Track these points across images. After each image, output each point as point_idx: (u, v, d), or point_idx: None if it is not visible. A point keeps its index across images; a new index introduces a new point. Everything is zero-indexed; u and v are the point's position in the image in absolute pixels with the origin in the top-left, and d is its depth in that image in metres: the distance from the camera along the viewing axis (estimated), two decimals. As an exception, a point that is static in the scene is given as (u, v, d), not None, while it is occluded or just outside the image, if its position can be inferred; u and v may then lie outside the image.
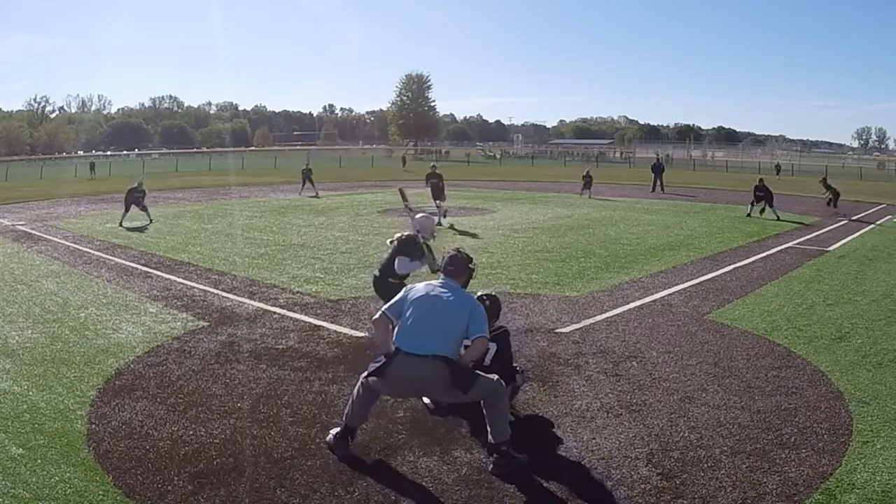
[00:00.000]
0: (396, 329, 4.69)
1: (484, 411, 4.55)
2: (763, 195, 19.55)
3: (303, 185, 27.18)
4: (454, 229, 16.20)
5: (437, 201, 18.13)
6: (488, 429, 4.50)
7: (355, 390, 4.81)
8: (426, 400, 5.41)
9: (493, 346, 5.17)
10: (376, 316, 4.80)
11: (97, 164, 50.11)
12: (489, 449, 4.49)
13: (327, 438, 4.78)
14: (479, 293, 5.40)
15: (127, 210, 17.72)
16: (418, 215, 7.33)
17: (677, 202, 24.54)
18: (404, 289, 4.92)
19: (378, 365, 4.61)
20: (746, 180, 32.03)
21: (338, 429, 4.75)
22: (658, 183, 29.85)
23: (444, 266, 4.95)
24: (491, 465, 4.43)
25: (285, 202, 24.03)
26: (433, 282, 4.89)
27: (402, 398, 5.38)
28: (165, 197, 26.18)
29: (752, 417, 5.25)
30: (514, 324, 7.17)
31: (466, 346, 4.64)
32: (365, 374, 4.73)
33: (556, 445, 4.80)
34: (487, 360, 5.14)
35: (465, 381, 4.49)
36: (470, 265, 5.09)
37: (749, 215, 19.40)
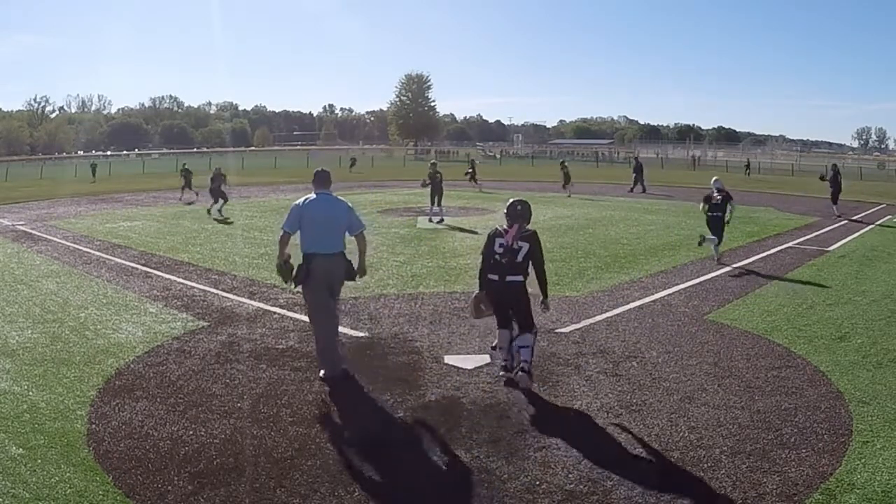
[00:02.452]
0: (304, 239, 6.04)
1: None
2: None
3: (182, 190, 24.42)
4: (447, 226, 16.21)
5: (437, 198, 17.96)
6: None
7: (315, 331, 6.13)
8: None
9: (524, 245, 5.76)
10: (280, 233, 6.15)
11: (98, 165, 49.04)
12: None
13: (321, 374, 6.05)
14: (510, 200, 6.07)
15: (216, 200, 19.17)
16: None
17: (677, 202, 24.52)
18: (293, 206, 6.17)
19: (300, 272, 5.98)
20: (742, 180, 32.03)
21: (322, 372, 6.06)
22: (639, 182, 29.63)
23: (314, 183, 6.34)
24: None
25: (285, 202, 23.99)
26: (311, 196, 6.22)
27: (322, 300, 6.08)
28: (166, 197, 26.18)
29: (752, 417, 5.26)
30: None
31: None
32: (295, 286, 6.16)
33: (556, 445, 4.80)
34: (520, 258, 5.71)
35: (351, 272, 6.14)
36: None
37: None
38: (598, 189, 30.55)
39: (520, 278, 5.79)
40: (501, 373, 6.09)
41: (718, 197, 12.08)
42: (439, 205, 17.92)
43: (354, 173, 41.65)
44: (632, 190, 29.34)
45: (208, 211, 19.28)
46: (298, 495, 4.11)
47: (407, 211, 20.69)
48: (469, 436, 4.93)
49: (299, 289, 6.25)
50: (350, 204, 6.39)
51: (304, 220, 6.06)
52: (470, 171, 27.72)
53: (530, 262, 5.82)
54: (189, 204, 22.75)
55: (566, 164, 28.32)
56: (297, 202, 6.24)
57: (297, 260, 6.14)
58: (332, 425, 5.10)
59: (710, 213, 12.18)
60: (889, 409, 5.40)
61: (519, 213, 5.88)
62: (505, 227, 5.89)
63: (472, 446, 4.77)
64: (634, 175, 30.28)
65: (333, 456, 4.61)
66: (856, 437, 4.89)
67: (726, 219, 12.05)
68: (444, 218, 17.84)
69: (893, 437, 4.90)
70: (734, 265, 11.69)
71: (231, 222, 17.85)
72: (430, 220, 17.58)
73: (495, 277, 5.79)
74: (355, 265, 6.17)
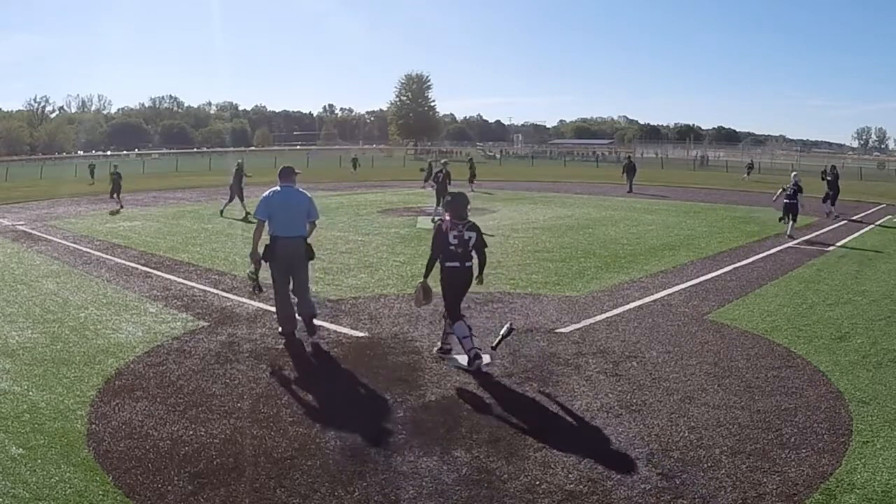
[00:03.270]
0: (271, 224, 7.00)
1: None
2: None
3: (112, 194, 22.32)
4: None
5: (441, 198, 18.08)
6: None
7: (276, 298, 7.21)
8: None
9: (473, 235, 6.47)
10: (256, 224, 7.15)
11: (97, 165, 47.94)
12: None
13: (280, 331, 7.26)
14: (450, 193, 7.01)
15: (231, 199, 19.33)
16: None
17: (676, 202, 24.52)
18: (262, 198, 7.15)
19: (266, 251, 7.01)
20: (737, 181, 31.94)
21: (283, 337, 7.13)
22: (629, 183, 29.47)
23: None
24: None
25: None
26: (277, 189, 7.14)
27: (283, 274, 7.06)
28: (165, 197, 26.18)
29: (752, 417, 5.26)
30: (514, 324, 7.17)
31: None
32: (260, 266, 7.10)
33: (556, 445, 4.80)
34: (470, 246, 6.44)
35: (310, 253, 7.19)
36: None
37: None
38: (598, 189, 30.55)
39: (472, 264, 6.57)
40: (478, 362, 6.27)
41: (791, 189, 15.72)
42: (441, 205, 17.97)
43: (353, 174, 41.29)
44: (630, 190, 29.28)
45: (220, 212, 19.35)
46: (298, 495, 4.11)
47: (407, 211, 20.69)
48: (469, 436, 4.93)
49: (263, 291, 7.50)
50: (311, 196, 7.36)
51: (271, 208, 7.03)
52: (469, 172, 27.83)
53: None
54: (114, 213, 19.89)
55: (473, 160, 28.29)
56: (265, 194, 7.19)
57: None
58: (332, 425, 5.10)
59: (786, 201, 15.72)
60: (889, 409, 5.40)
61: (452, 203, 6.63)
62: (447, 218, 6.54)
63: (472, 446, 4.77)
64: (625, 174, 29.98)
65: (333, 456, 4.61)
66: (856, 437, 4.89)
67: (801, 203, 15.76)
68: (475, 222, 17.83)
69: (893, 437, 4.90)
70: (734, 265, 11.70)
71: (230, 220, 17.85)
72: (433, 220, 17.59)
73: (456, 264, 6.43)
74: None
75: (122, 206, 21.48)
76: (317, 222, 7.44)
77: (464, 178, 27.58)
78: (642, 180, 33.03)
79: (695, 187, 33.43)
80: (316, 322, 7.38)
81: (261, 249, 7.09)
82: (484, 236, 6.72)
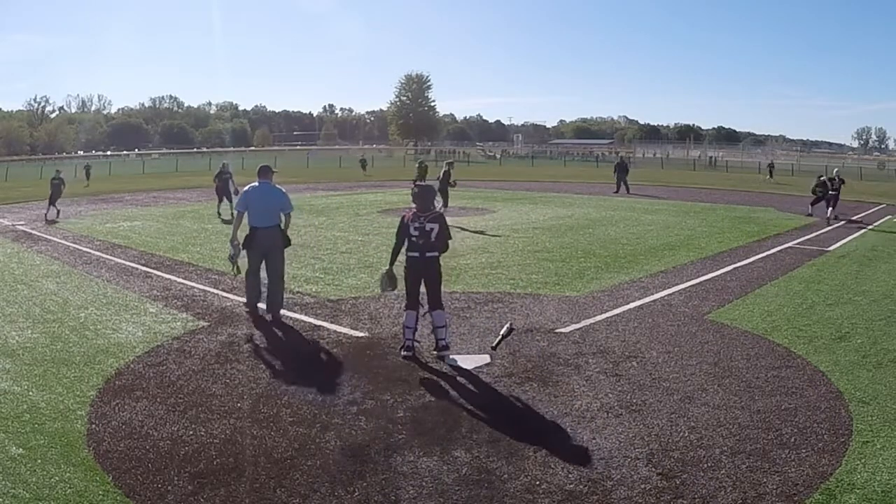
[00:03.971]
0: (249, 216, 7.94)
1: None
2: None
3: (51, 202, 19.77)
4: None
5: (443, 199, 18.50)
6: None
7: (246, 279, 8.31)
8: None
9: (435, 226, 6.62)
10: (236, 214, 8.30)
11: (94, 166, 42.77)
12: None
13: (245, 306, 8.40)
14: (414, 185, 7.42)
15: (221, 199, 19.23)
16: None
17: (676, 202, 24.52)
18: (241, 192, 8.20)
19: (245, 240, 7.97)
20: (745, 180, 31.99)
21: (247, 309, 8.27)
22: (622, 182, 29.04)
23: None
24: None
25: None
26: (255, 184, 8.03)
27: (258, 260, 8.04)
28: (165, 197, 26.18)
29: (752, 417, 5.26)
30: (514, 324, 7.18)
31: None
32: (238, 251, 8.11)
33: (556, 445, 4.80)
34: (433, 237, 6.58)
35: (286, 240, 8.17)
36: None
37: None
38: (598, 189, 30.55)
39: (435, 253, 6.69)
40: (404, 353, 6.59)
41: (829, 183, 19.34)
42: (443, 203, 18.10)
43: (365, 174, 41.19)
44: (627, 191, 28.89)
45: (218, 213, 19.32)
46: (298, 495, 4.11)
47: (407, 211, 20.64)
48: (469, 436, 4.93)
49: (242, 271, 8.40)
50: (284, 190, 8.26)
51: (249, 201, 7.94)
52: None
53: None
54: (52, 222, 17.98)
55: (423, 163, 28.25)
56: (245, 189, 8.18)
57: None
58: (332, 425, 5.10)
59: (831, 192, 19.04)
60: (889, 409, 5.40)
61: (418, 194, 6.81)
62: (412, 209, 6.73)
63: (472, 446, 4.77)
64: (617, 175, 29.51)
65: (333, 456, 4.61)
66: (856, 437, 4.89)
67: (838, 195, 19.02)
68: (440, 213, 17.90)
69: (893, 437, 4.90)
70: (734, 265, 11.70)
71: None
72: None
73: (416, 254, 6.65)
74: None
75: (58, 214, 19.22)
76: (291, 214, 8.36)
77: (463, 178, 27.55)
78: (642, 180, 33.08)
79: (695, 187, 33.43)
80: (317, 322, 7.39)
81: (242, 237, 8.06)
82: (471, 231, 6.93)
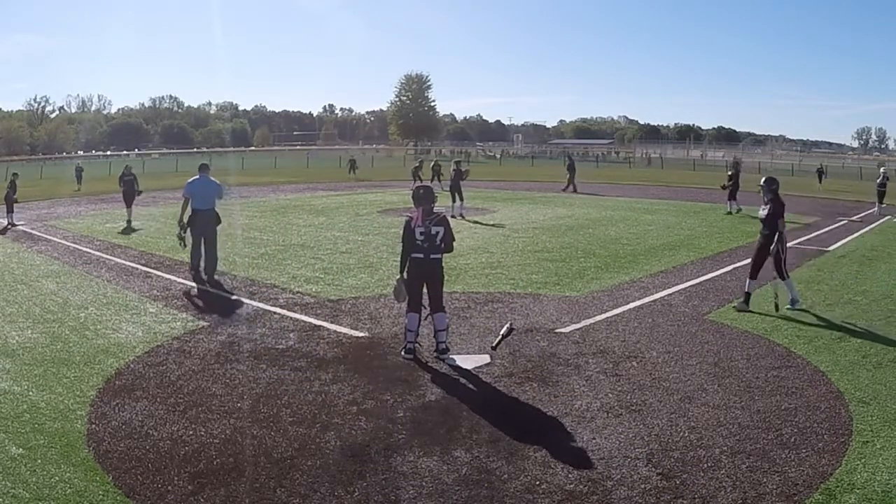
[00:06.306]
0: (193, 201, 10.45)
1: None
2: None
3: (8, 210, 17.68)
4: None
5: (456, 195, 19.34)
6: None
7: (190, 253, 10.62)
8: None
9: (440, 229, 6.65)
10: (183, 201, 10.71)
11: (94, 167, 40.53)
12: None
13: (189, 266, 10.66)
14: (415, 186, 7.26)
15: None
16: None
17: (676, 202, 24.52)
18: (187, 183, 10.59)
19: (189, 221, 10.46)
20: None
21: (192, 272, 10.48)
22: (571, 182, 29.03)
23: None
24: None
25: (285, 202, 24.04)
26: (197, 177, 10.57)
27: (198, 236, 10.42)
28: (165, 197, 26.17)
29: (752, 417, 5.26)
30: (514, 324, 7.18)
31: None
32: (182, 232, 10.73)
33: (556, 445, 4.80)
34: (438, 241, 6.64)
35: (218, 220, 10.63)
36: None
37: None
38: (597, 189, 30.54)
39: (439, 256, 6.73)
40: (405, 355, 6.60)
41: (883, 179, 22.14)
42: (460, 200, 19.38)
43: (353, 176, 39.67)
44: (565, 189, 28.79)
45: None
46: (298, 495, 4.11)
47: (407, 211, 20.61)
48: (469, 436, 4.93)
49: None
50: (219, 182, 10.99)
51: (193, 191, 10.48)
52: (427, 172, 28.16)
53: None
54: (8, 229, 16.46)
55: (437, 163, 28.46)
56: (189, 180, 10.66)
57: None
58: (332, 425, 5.10)
59: (879, 189, 21.92)
60: (889, 409, 5.40)
61: (422, 196, 6.75)
62: (415, 211, 6.70)
63: (472, 446, 4.77)
64: (569, 174, 29.45)
65: (333, 456, 4.61)
66: (856, 437, 4.89)
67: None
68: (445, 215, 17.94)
69: (893, 437, 4.90)
70: (734, 265, 11.70)
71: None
72: (453, 217, 17.68)
73: (420, 256, 6.65)
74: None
75: (12, 225, 16.98)
76: (222, 199, 11.15)
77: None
78: (643, 180, 33.04)
79: (695, 187, 33.41)
80: (317, 322, 7.37)
81: (186, 219, 10.48)
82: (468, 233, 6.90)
